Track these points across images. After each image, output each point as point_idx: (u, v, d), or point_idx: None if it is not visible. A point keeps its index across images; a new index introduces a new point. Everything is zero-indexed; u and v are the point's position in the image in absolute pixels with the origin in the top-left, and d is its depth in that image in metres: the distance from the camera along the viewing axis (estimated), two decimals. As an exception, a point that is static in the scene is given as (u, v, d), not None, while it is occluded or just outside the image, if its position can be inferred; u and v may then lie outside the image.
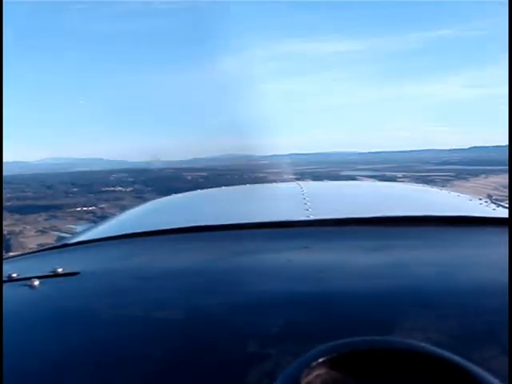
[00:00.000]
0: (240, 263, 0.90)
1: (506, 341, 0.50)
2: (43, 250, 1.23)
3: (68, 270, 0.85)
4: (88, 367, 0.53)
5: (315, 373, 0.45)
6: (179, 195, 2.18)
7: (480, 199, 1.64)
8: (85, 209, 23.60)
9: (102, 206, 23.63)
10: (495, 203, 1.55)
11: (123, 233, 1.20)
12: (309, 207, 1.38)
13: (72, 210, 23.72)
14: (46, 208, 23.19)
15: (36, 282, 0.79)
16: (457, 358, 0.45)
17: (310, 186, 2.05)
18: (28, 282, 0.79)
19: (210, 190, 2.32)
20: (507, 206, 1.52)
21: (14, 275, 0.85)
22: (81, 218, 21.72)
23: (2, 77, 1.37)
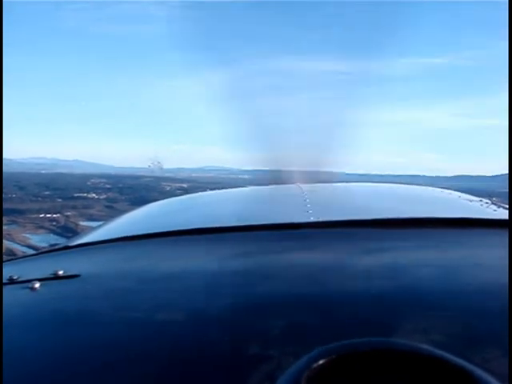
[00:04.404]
0: (241, 265, 0.89)
1: (507, 342, 0.51)
2: (44, 252, 1.21)
3: (69, 273, 0.85)
4: (88, 369, 0.54)
5: (316, 374, 0.45)
6: (179, 197, 2.16)
7: (481, 200, 1.60)
8: (48, 216, 22.44)
9: (68, 213, 22.59)
10: (496, 204, 1.52)
11: (124, 235, 1.18)
12: (310, 209, 1.36)
13: (35, 216, 22.53)
14: (9, 212, 21.83)
15: (37, 285, 0.79)
16: (457, 360, 0.46)
17: (311, 187, 1.96)
18: (29, 285, 0.79)
19: (212, 191, 2.32)
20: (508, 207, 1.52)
21: (15, 277, 0.86)
22: (41, 227, 20.63)
23: (1, 77, 1.39)
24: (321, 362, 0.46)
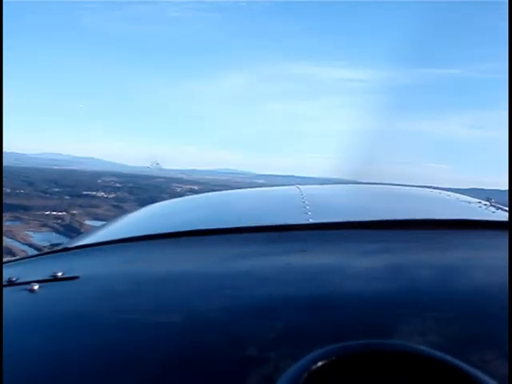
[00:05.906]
0: (239, 267, 0.88)
1: (506, 343, 0.51)
2: (43, 253, 1.20)
3: (68, 275, 0.85)
4: (86, 371, 0.55)
5: (313, 376, 0.46)
6: (180, 199, 2.17)
7: (479, 202, 1.57)
8: (54, 213, 21.86)
9: (74, 212, 22.03)
10: (494, 206, 1.49)
11: (123, 237, 1.18)
12: (308, 210, 1.34)
13: (40, 213, 21.93)
14: (14, 208, 21.22)
15: (36, 286, 0.79)
16: (455, 360, 0.46)
17: (309, 189, 1.84)
18: (28, 286, 0.79)
19: (211, 193, 2.22)
20: (507, 209, 1.45)
21: (14, 279, 0.86)
22: (44, 225, 20.02)
23: (1, 77, 1.39)
24: (319, 363, 0.45)
